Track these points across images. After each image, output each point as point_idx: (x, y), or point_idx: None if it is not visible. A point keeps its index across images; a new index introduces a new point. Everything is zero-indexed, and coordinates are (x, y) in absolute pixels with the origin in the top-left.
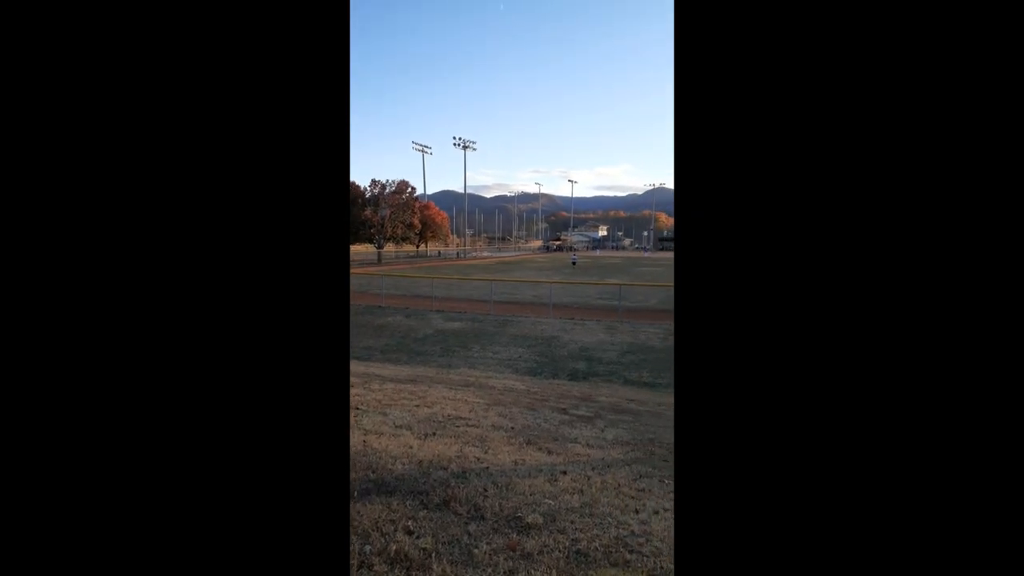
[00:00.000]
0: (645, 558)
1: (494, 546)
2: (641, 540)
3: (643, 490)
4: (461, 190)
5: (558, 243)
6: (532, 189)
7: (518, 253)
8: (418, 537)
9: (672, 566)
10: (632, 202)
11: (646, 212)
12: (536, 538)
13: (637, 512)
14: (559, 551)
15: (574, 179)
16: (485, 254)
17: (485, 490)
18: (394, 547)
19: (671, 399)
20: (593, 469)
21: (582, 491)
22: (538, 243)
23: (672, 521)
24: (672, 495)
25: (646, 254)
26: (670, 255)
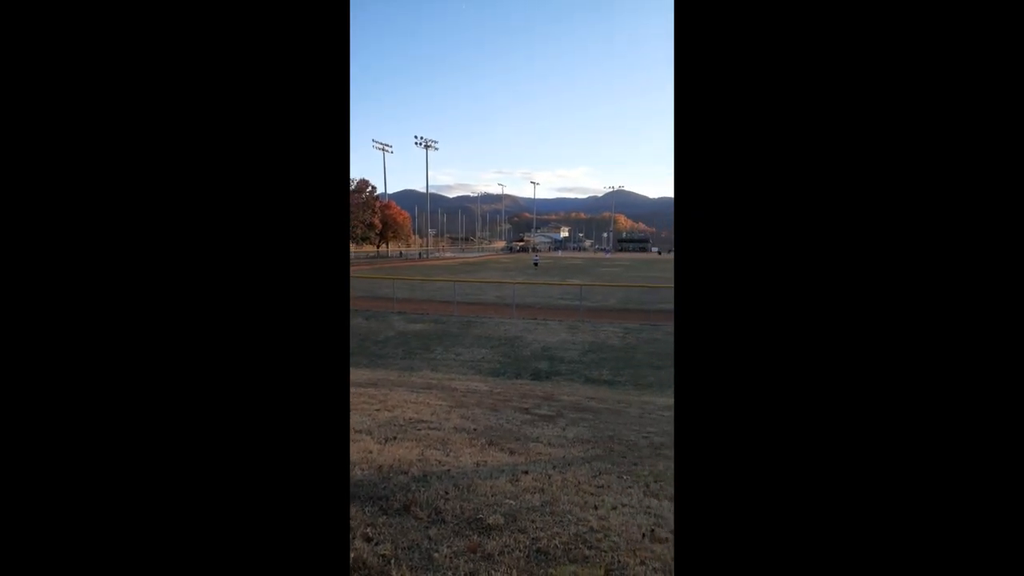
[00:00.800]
0: (603, 553)
1: (455, 549)
2: (599, 536)
3: (602, 487)
4: (423, 190)
5: (521, 244)
6: (495, 190)
7: (482, 254)
8: (377, 544)
9: (628, 559)
10: (592, 204)
11: (606, 214)
12: (497, 539)
13: (596, 508)
14: (519, 551)
15: (536, 180)
16: (448, 255)
17: (446, 493)
18: (352, 555)
19: (629, 396)
20: (554, 468)
21: (543, 490)
22: (502, 244)
23: (630, 516)
24: (630, 490)
25: (607, 255)
26: (630, 256)
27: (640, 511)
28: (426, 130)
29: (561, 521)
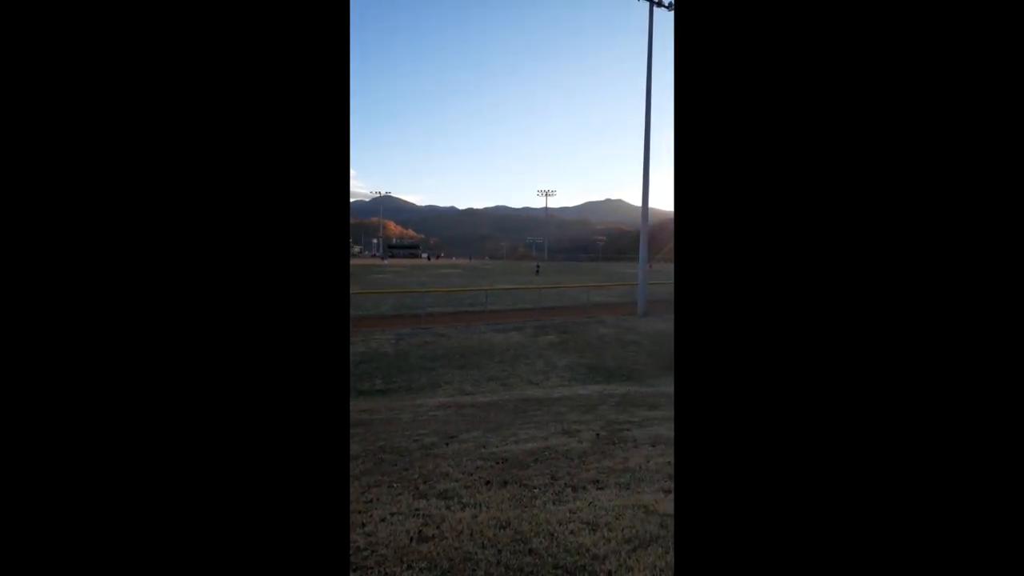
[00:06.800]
0: (369, 571)
1: None
2: (366, 553)
3: (371, 501)
4: None
5: None
6: None
7: None
8: None
9: (395, 568)
10: (360, 208)
11: (375, 220)
12: None
13: (364, 526)
14: None
15: None
16: None
17: None
18: None
19: (403, 402)
20: None
21: None
22: None
23: (399, 523)
24: (399, 497)
25: (385, 261)
26: (403, 262)
27: (409, 515)
28: None
29: None
